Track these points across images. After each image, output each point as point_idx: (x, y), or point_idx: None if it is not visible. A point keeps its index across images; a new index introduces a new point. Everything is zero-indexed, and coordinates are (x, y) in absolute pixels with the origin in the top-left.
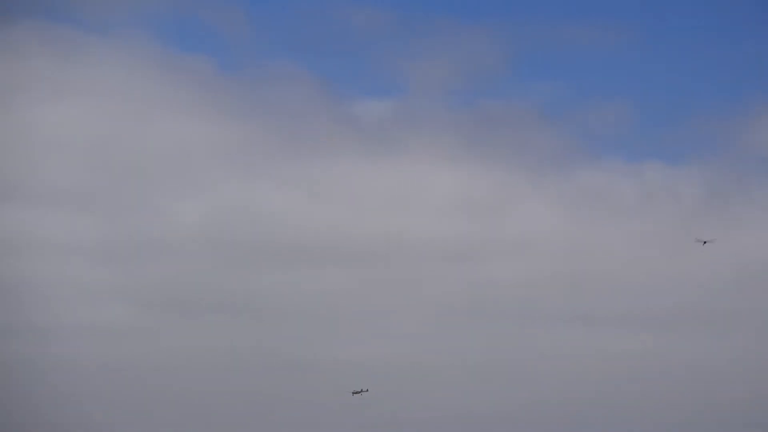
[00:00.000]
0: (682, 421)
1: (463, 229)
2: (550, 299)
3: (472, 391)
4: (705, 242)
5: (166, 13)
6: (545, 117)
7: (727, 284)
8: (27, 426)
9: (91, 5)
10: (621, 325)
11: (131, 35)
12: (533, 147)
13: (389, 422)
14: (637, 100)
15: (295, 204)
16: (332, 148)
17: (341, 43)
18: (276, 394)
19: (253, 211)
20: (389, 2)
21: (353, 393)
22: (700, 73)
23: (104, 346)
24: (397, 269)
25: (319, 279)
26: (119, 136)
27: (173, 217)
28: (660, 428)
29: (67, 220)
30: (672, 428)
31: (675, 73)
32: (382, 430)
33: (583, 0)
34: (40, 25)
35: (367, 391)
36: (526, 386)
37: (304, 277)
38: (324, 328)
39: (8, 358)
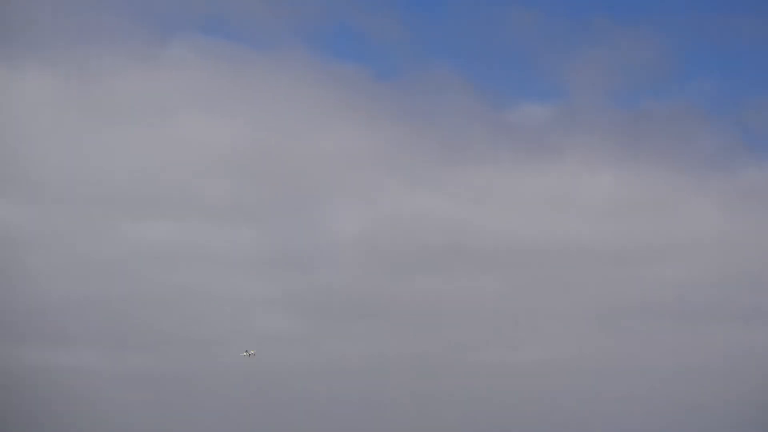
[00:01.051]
0: None
1: (626, 230)
2: (714, 299)
3: (636, 390)
4: None
5: (321, 24)
6: (706, 116)
7: None
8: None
9: (246, 19)
10: None
11: (287, 47)
12: (695, 147)
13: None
14: None
15: (454, 209)
16: (492, 153)
17: (499, 49)
18: (437, 397)
19: (412, 218)
20: (547, 6)
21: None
22: None
23: (267, 353)
24: (558, 272)
25: (481, 283)
26: (278, 147)
27: (333, 225)
28: None
29: (229, 232)
30: None
31: None
32: None
33: None
34: (198, 39)
35: (254, 354)
36: (692, 386)
37: (465, 281)
38: (486, 332)
39: (175, 368)
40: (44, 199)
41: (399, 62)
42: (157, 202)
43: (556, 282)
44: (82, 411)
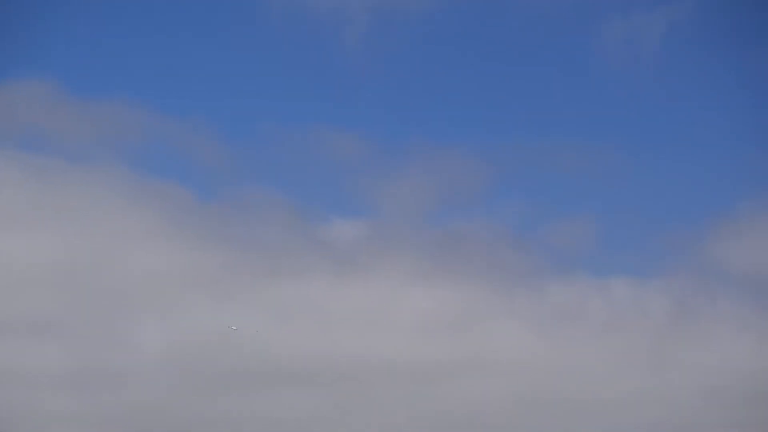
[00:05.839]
0: None
1: (436, 349)
2: (522, 421)
3: None
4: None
5: (138, 141)
6: (516, 237)
7: (696, 401)
8: None
9: (66, 135)
10: None
11: (103, 162)
12: (504, 266)
13: None
14: (602, 217)
15: (265, 328)
16: (304, 271)
17: (314, 167)
18: None
19: (222, 337)
20: (362, 125)
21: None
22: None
23: None
24: (369, 391)
25: (292, 402)
26: (87, 263)
27: (140, 344)
28: None
29: (31, 348)
30: None
31: (642, 188)
32: None
33: (550, 121)
34: (16, 154)
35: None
36: None
37: (276, 401)
38: None
39: None
40: None
41: (215, 181)
42: None
43: (365, 402)
44: None
